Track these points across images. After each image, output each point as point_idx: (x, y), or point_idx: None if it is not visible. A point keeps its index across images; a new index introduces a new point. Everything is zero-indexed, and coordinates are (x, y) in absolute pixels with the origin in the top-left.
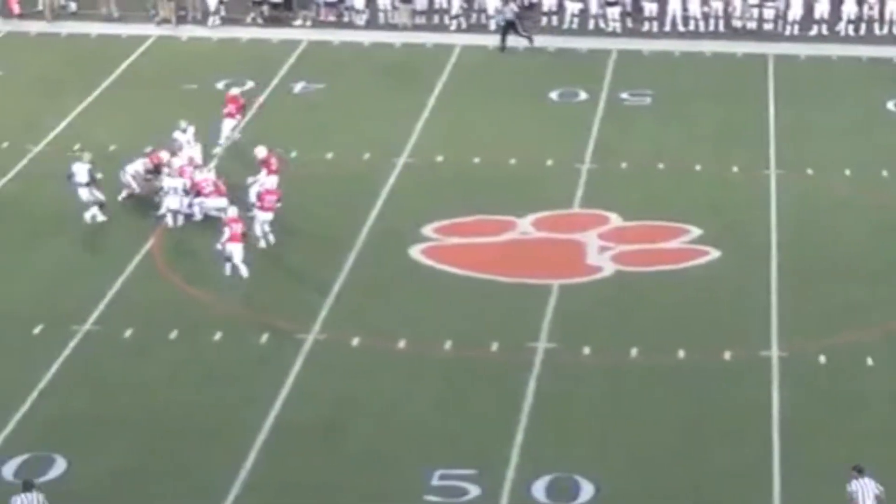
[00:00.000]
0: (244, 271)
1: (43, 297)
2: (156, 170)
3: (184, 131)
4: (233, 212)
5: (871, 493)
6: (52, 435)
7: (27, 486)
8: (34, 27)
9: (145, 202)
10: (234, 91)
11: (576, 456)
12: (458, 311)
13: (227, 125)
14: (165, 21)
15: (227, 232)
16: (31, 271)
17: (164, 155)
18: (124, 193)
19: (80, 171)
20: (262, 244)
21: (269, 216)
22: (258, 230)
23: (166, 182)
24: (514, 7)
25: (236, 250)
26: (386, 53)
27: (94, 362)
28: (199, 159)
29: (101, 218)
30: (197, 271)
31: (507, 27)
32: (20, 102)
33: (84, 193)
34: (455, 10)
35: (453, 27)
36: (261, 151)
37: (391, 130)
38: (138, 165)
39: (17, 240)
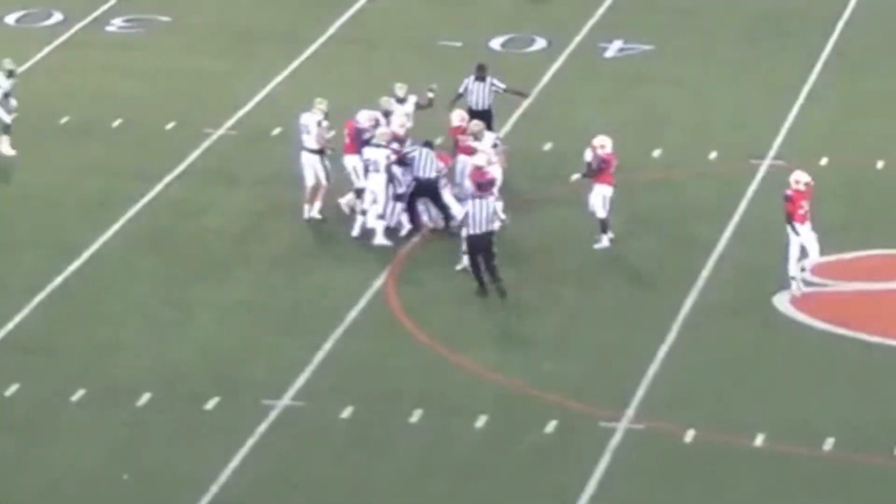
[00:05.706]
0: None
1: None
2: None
3: None
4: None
5: (485, 216)
6: None
7: (428, 143)
8: None
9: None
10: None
11: None
12: (841, 391)
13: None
14: None
15: None
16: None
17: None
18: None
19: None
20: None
21: None
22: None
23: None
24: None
25: None
26: None
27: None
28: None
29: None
30: (448, 323)
31: None
32: (198, 60)
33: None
34: None
35: None
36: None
37: (747, 119)
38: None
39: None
